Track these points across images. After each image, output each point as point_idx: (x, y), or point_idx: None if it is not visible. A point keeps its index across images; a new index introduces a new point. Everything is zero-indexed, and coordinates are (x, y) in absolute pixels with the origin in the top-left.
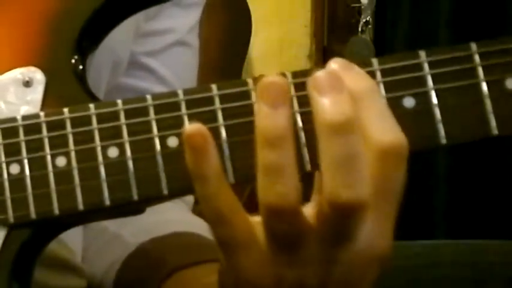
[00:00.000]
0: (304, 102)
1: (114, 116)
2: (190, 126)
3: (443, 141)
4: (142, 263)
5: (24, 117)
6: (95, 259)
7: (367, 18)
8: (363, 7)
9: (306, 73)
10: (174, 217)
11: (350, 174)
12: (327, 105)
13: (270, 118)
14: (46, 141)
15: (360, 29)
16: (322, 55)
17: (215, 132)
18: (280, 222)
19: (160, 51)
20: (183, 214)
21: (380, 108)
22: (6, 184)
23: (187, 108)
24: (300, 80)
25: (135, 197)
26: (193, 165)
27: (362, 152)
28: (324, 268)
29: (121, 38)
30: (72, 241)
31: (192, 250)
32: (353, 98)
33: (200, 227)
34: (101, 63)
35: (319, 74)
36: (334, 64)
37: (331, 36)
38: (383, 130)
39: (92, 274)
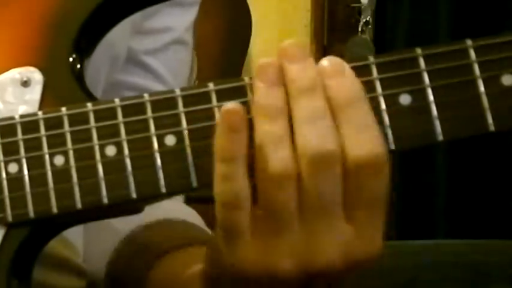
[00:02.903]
0: None
1: (112, 114)
2: (229, 104)
3: (440, 137)
4: (132, 250)
5: (22, 117)
6: (88, 249)
7: (367, 18)
8: (363, 7)
9: None
10: (164, 205)
11: (321, 127)
12: (295, 72)
13: (268, 95)
14: (44, 140)
15: (360, 29)
16: (322, 55)
17: (213, 130)
18: (282, 190)
19: (159, 50)
20: (174, 202)
21: (361, 118)
22: (5, 183)
23: (185, 106)
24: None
25: (133, 195)
26: (226, 143)
27: (326, 108)
28: (307, 256)
29: (118, 33)
30: (76, 240)
31: (180, 235)
32: (337, 104)
33: (191, 215)
34: (99, 59)
35: (288, 45)
36: (326, 62)
37: (331, 36)
38: (360, 142)
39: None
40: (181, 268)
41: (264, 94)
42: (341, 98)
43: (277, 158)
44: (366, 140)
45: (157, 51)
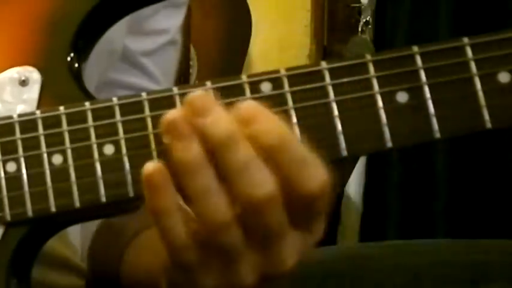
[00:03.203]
0: (299, 99)
1: (110, 113)
2: (149, 166)
3: (437, 135)
4: (108, 234)
5: (21, 116)
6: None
7: (367, 18)
8: (363, 7)
9: (299, 68)
10: None
11: (254, 175)
12: (209, 126)
13: (183, 150)
14: (42, 139)
15: (360, 29)
16: (322, 55)
17: None
18: (223, 234)
19: (155, 51)
20: None
21: (297, 155)
22: (3, 182)
23: (182, 105)
24: (294, 72)
25: (131, 193)
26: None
27: (255, 155)
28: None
29: (114, 29)
30: (74, 239)
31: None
32: (269, 149)
33: None
34: (95, 54)
35: (192, 98)
36: (246, 111)
37: (331, 36)
38: (306, 178)
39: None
40: (148, 254)
41: (179, 150)
42: (271, 143)
43: (210, 209)
44: (310, 174)
45: (153, 52)
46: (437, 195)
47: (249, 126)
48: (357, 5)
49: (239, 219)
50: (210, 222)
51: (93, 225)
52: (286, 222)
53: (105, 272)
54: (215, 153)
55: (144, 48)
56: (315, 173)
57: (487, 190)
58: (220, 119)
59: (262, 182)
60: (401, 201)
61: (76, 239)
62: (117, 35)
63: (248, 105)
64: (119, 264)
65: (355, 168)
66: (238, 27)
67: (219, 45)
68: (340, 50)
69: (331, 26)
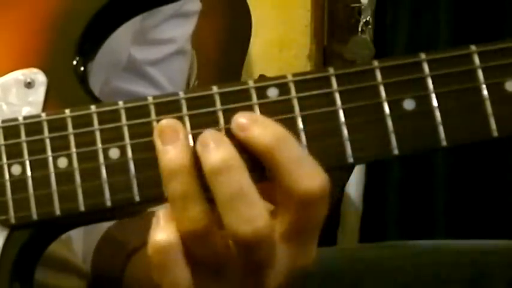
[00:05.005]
0: (305, 105)
1: (116, 117)
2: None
3: (444, 143)
4: (109, 248)
5: (26, 118)
6: (85, 248)
7: (367, 18)
8: (363, 7)
9: (306, 74)
10: None
11: (241, 210)
12: (207, 153)
13: (163, 154)
14: (47, 142)
15: (360, 29)
16: (322, 55)
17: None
18: (198, 245)
19: (162, 61)
20: None
21: (295, 155)
22: (8, 185)
23: (189, 109)
24: (301, 78)
25: (137, 198)
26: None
27: (248, 187)
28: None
29: (120, 41)
30: (75, 241)
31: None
32: (265, 149)
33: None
34: (100, 65)
35: (207, 134)
36: (242, 118)
37: (331, 36)
38: (301, 178)
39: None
40: (145, 272)
41: (159, 152)
42: (267, 142)
43: (185, 216)
44: (310, 172)
45: (160, 61)
46: (437, 195)
47: (244, 132)
48: (357, 5)
49: (231, 254)
50: (187, 230)
51: (98, 231)
52: (275, 246)
53: (110, 285)
54: (208, 183)
55: (150, 58)
56: (314, 172)
57: (486, 190)
58: (217, 147)
59: (252, 218)
60: (401, 201)
61: (75, 239)
62: (122, 46)
63: (241, 114)
64: (121, 279)
65: (355, 168)
66: (238, 27)
67: (219, 45)
68: (340, 50)
69: (331, 26)
